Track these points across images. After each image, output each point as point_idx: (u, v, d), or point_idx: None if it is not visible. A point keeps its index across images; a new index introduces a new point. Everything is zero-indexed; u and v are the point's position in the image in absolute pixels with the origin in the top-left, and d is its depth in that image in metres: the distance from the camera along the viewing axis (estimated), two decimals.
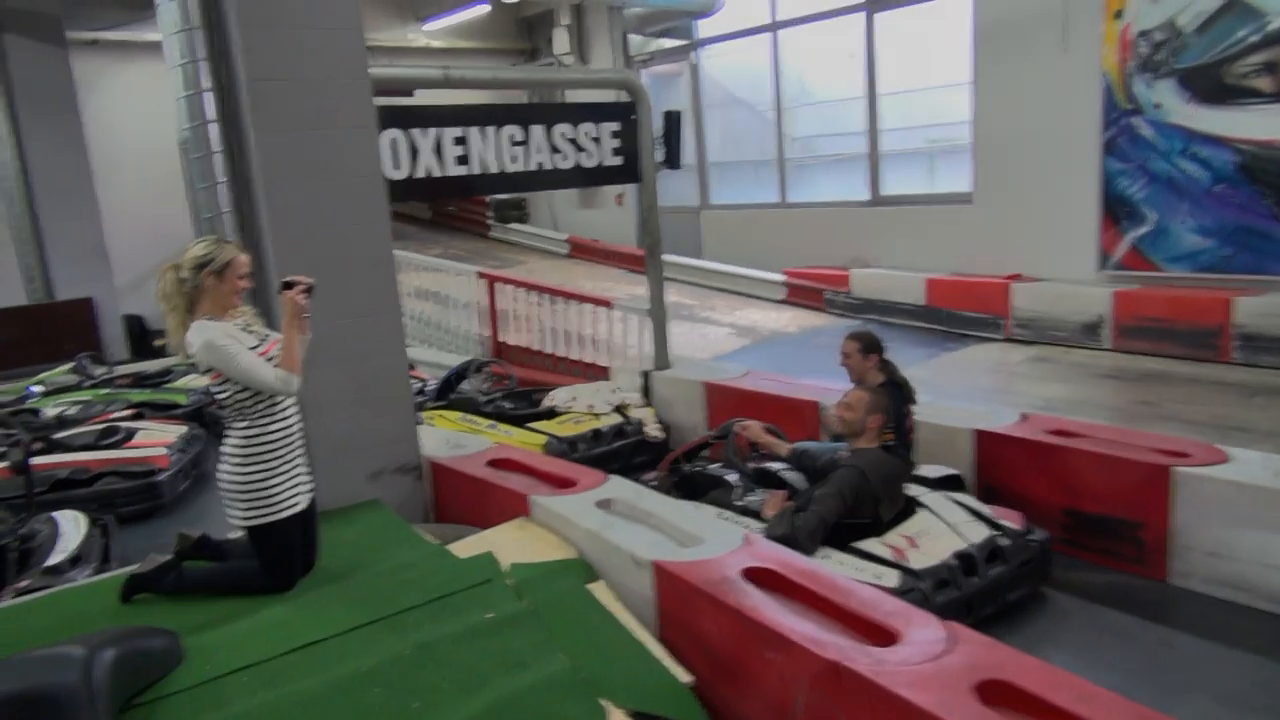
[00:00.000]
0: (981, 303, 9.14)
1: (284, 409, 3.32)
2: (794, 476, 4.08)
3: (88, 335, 10.71)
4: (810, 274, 10.92)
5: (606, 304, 7.32)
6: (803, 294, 10.96)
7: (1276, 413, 6.38)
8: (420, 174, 5.05)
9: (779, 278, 11.15)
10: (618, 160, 6.09)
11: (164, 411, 7.45)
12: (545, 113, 5.70)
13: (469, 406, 6.15)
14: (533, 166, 5.66)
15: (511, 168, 5.55)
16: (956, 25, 9.34)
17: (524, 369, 7.65)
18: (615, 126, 6.02)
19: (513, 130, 5.53)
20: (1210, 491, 3.80)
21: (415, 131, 5.03)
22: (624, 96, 6.11)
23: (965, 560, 3.62)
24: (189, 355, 3.17)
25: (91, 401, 7.69)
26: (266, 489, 3.25)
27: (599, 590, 3.32)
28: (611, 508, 3.84)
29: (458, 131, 5.19)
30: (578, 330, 7.73)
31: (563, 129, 5.76)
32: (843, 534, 3.69)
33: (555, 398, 6.12)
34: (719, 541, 3.35)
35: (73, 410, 7.46)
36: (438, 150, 5.10)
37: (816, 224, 11.43)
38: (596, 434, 5.80)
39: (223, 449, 3.28)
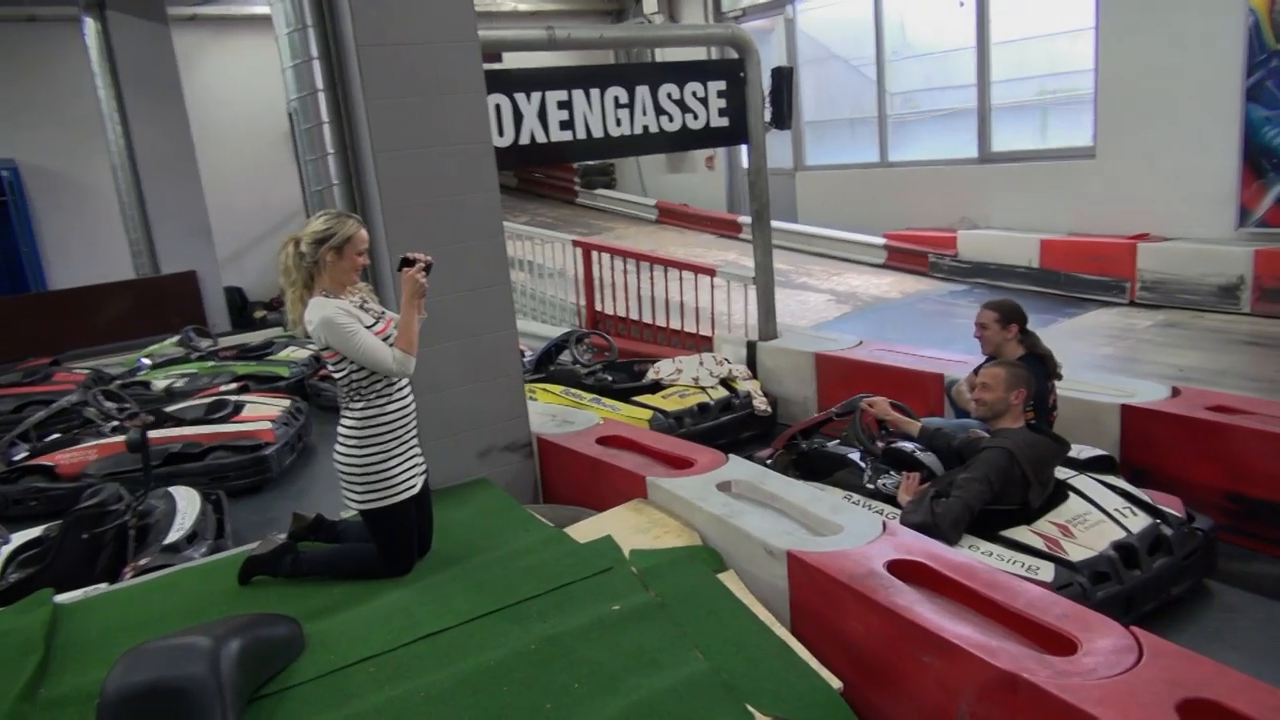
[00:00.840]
0: (1104, 265, 8.55)
1: (400, 389, 3.21)
2: (928, 458, 3.80)
3: (193, 308, 11.00)
4: (913, 236, 10.44)
5: (710, 272, 7.06)
6: (905, 258, 10.49)
7: None
8: (524, 140, 4.87)
9: (879, 241, 10.70)
10: (724, 121, 5.81)
11: (268, 384, 7.54)
12: (650, 73, 5.45)
13: (570, 379, 6.00)
14: (638, 130, 5.43)
15: (616, 131, 5.33)
16: None
17: (622, 340, 7.48)
18: (721, 85, 5.74)
19: (617, 92, 5.30)
20: None
21: (519, 96, 4.85)
22: (729, 54, 5.81)
23: (1125, 551, 3.30)
24: (307, 331, 3.07)
25: (198, 374, 7.84)
26: (383, 471, 3.16)
27: (730, 581, 3.13)
28: (734, 490, 3.64)
29: (562, 95, 4.99)
30: (679, 299, 7.51)
31: (669, 89, 5.51)
32: (988, 521, 3.41)
33: (659, 370, 5.93)
34: (857, 530, 3.12)
35: (180, 383, 7.62)
36: (542, 115, 4.92)
37: (919, 184, 10.90)
38: (703, 408, 5.59)
39: (340, 429, 3.19)
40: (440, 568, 3.35)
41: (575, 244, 8.70)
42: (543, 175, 16.22)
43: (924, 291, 9.70)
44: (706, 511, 3.44)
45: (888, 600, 2.66)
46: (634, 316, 7.97)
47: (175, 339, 9.51)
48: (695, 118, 5.68)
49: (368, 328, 3.08)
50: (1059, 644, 2.40)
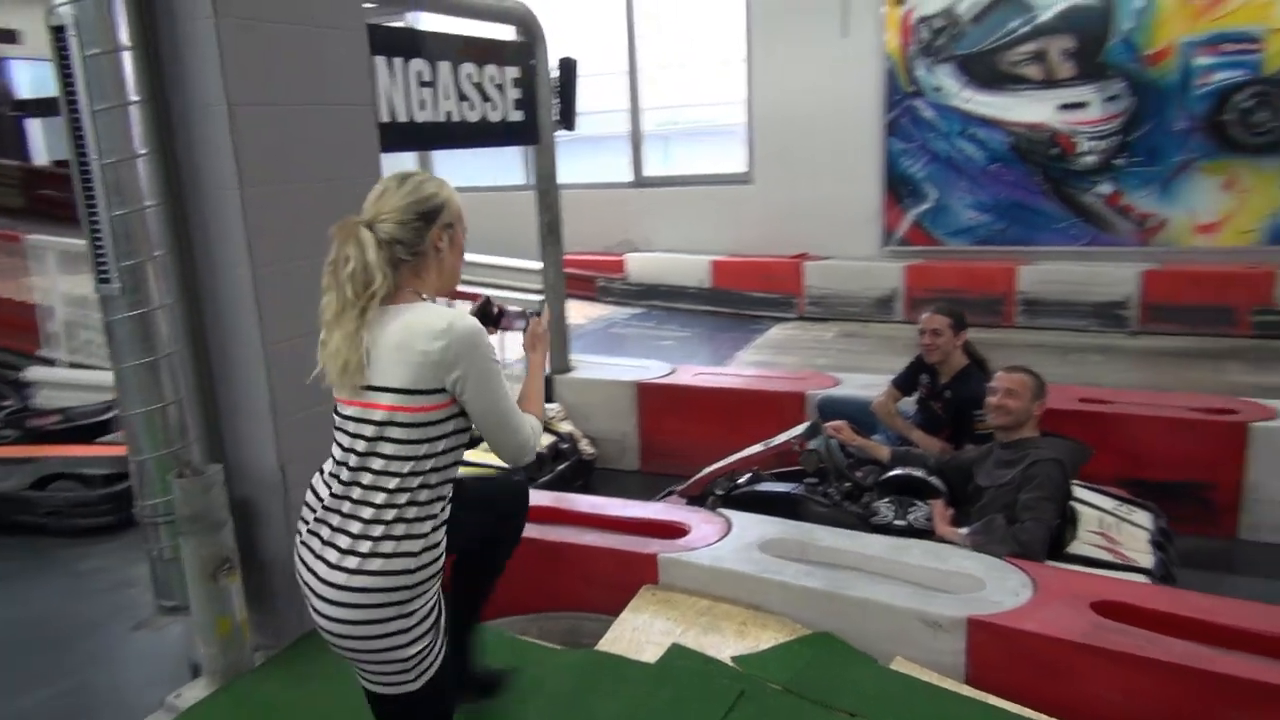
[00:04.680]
0: (774, 282, 9.11)
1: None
2: (937, 482, 3.41)
3: None
4: (576, 260, 10.10)
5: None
6: (570, 283, 10.09)
7: (1086, 368, 7.02)
8: None
9: (537, 265, 10.21)
10: (519, 115, 4.88)
11: None
12: (451, 48, 4.33)
13: None
14: (441, 116, 4.28)
15: (421, 116, 4.14)
16: (732, 2, 9.18)
17: None
18: (516, 73, 4.81)
19: (420, 66, 4.12)
20: None
21: None
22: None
23: (1161, 551, 3.25)
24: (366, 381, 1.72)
25: None
26: (435, 623, 1.83)
27: (911, 669, 2.40)
28: (776, 551, 2.89)
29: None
30: None
31: (469, 70, 4.44)
32: None
33: None
34: (1001, 579, 2.61)
35: None
36: None
37: (576, 207, 10.62)
38: (539, 458, 4.59)
39: (370, 560, 1.69)
40: None
41: None
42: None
43: (605, 316, 9.48)
44: (793, 587, 2.66)
45: (1164, 654, 2.20)
46: None
47: None
48: (494, 108, 4.67)
49: None
50: None
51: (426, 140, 4.32)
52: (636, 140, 10.20)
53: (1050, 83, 7.94)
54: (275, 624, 2.68)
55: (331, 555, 1.70)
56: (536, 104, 4.98)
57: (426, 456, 1.70)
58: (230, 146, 2.39)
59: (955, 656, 2.44)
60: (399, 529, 1.69)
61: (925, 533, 3.19)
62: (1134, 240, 7.93)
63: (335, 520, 1.72)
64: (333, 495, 1.75)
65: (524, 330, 2.22)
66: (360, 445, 1.71)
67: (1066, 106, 7.92)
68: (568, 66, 5.12)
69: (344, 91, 2.73)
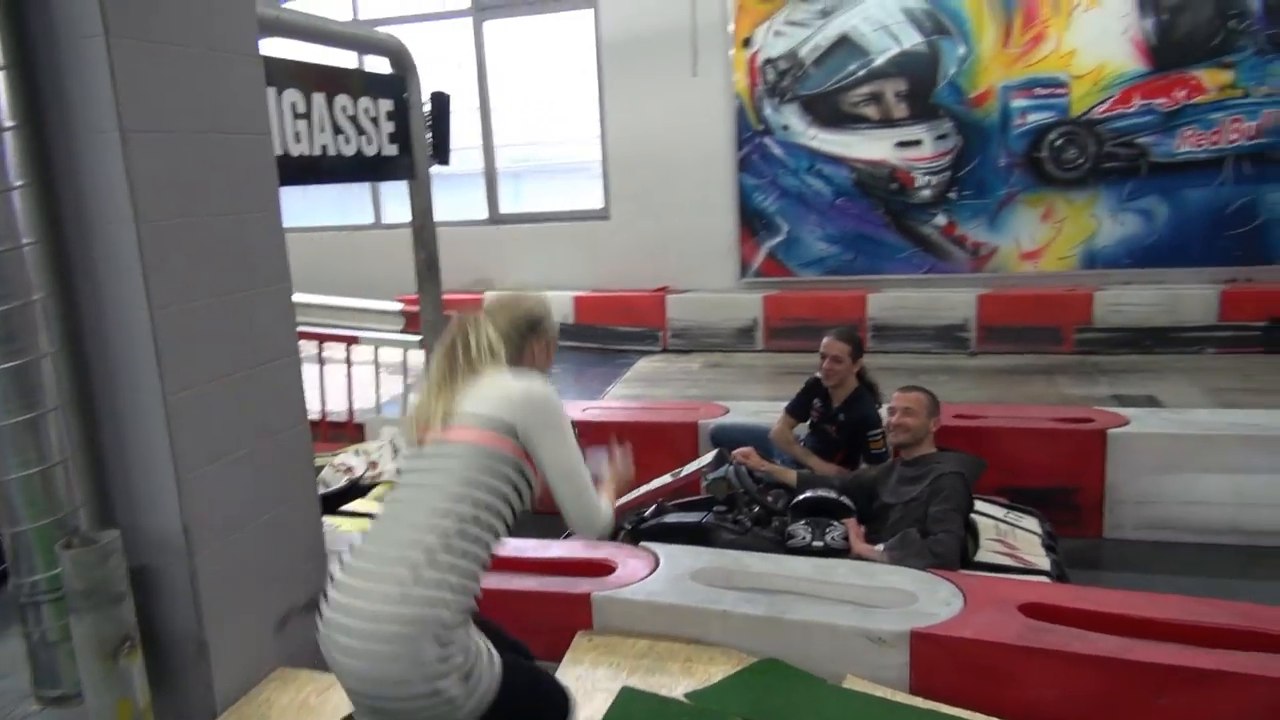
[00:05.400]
0: (637, 316, 9.20)
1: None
2: (847, 501, 3.50)
3: None
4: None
5: (349, 340, 5.64)
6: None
7: (935, 388, 7.45)
8: None
9: (395, 306, 9.90)
10: (394, 149, 4.71)
11: None
12: (326, 78, 4.13)
13: None
14: (316, 150, 4.08)
15: (296, 149, 3.93)
16: (581, 41, 9.29)
17: None
18: (390, 105, 4.65)
19: (294, 96, 3.91)
20: (1140, 447, 4.22)
21: None
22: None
23: (1053, 553, 3.47)
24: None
25: None
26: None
27: (866, 687, 2.43)
28: (715, 582, 2.88)
29: None
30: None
31: (343, 102, 4.26)
32: None
33: (351, 469, 4.48)
34: (932, 589, 2.71)
35: None
36: None
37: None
38: None
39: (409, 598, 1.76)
40: None
41: None
42: None
43: None
44: (735, 615, 2.65)
45: (1100, 648, 2.34)
46: None
47: None
48: (369, 142, 4.48)
49: None
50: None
51: (302, 174, 4.08)
52: (491, 177, 10.09)
53: (887, 122, 8.48)
54: (180, 706, 2.41)
55: (365, 584, 1.77)
56: (411, 138, 4.83)
57: (480, 488, 1.81)
58: (124, 177, 2.16)
59: (899, 670, 2.49)
60: (445, 558, 1.76)
61: (842, 551, 3.27)
62: (968, 267, 8.55)
63: (373, 549, 1.83)
64: (374, 534, 1.86)
65: None
66: (413, 478, 1.90)
67: (902, 144, 8.47)
68: (440, 100, 5.00)
69: (243, 120, 2.55)
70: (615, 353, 9.13)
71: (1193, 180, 7.88)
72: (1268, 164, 7.69)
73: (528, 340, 2.08)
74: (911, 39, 8.25)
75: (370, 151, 4.49)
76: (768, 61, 8.63)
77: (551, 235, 9.90)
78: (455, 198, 10.43)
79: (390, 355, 5.96)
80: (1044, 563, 3.30)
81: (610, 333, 9.29)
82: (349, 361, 5.83)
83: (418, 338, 5.39)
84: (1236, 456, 4.10)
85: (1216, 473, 4.13)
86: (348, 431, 5.55)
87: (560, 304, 9.49)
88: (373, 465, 4.51)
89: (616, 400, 6.94)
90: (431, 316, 5.19)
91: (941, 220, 8.53)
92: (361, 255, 10.60)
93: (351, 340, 5.81)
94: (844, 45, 8.40)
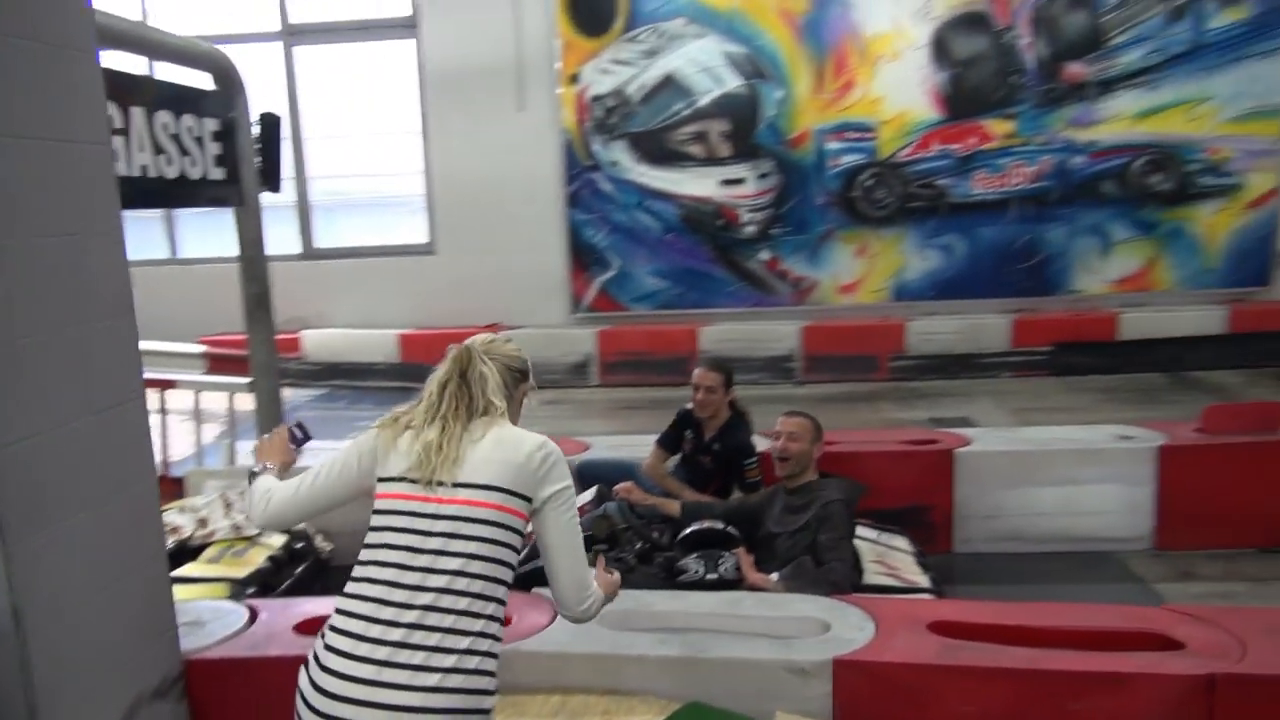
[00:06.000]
0: None
1: None
2: (734, 532, 3.44)
3: None
4: (240, 340, 9.14)
5: (166, 385, 5.00)
6: (233, 365, 9.08)
7: (771, 418, 7.68)
8: None
9: (197, 349, 9.07)
10: (220, 173, 4.29)
11: None
12: (146, 91, 3.67)
13: None
14: (135, 171, 3.63)
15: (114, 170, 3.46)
16: (402, 72, 8.98)
17: None
18: (216, 125, 4.23)
19: (111, 110, 3.46)
20: (983, 465, 4.47)
21: None
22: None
23: (927, 570, 3.57)
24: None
25: None
26: None
27: None
28: (620, 624, 2.74)
29: None
30: None
31: (164, 119, 3.82)
32: None
33: (178, 529, 3.94)
34: (849, 616, 2.69)
35: None
36: None
37: (227, 283, 9.61)
38: (275, 561, 3.96)
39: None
40: None
41: None
42: None
43: (291, 399, 8.58)
44: (651, 659, 2.52)
45: (1021, 662, 2.39)
46: None
47: None
48: (194, 163, 4.03)
49: None
50: (1158, 642, 2.50)
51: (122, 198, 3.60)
52: (304, 209, 9.51)
53: (712, 160, 8.74)
54: None
55: (400, 675, 1.62)
56: (239, 161, 4.42)
57: (502, 563, 1.76)
58: None
59: (823, 700, 2.44)
60: (484, 644, 1.70)
61: (735, 583, 3.21)
62: (791, 300, 8.91)
63: (397, 635, 1.65)
64: (386, 603, 1.69)
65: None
66: (433, 543, 1.72)
67: (727, 182, 8.76)
68: (269, 122, 4.61)
69: (79, 127, 2.19)
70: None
71: (985, 219, 8.63)
72: (1045, 205, 8.55)
73: (519, 385, 2.02)
74: (733, 81, 8.58)
75: (195, 174, 4.07)
76: (595, 98, 8.69)
77: (373, 271, 9.44)
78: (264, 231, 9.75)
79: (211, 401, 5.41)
80: (923, 580, 3.39)
81: None
82: (163, 410, 5.22)
83: (246, 380, 4.90)
84: (1066, 470, 4.43)
85: (1050, 485, 4.43)
86: (165, 487, 4.91)
87: (383, 343, 9.08)
88: (202, 523, 4.01)
89: None
90: (263, 357, 4.78)
91: (765, 255, 8.86)
92: (154, 294, 9.62)
93: (167, 385, 5.21)
94: (669, 85, 8.60)
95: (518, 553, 1.81)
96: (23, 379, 1.97)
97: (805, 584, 3.06)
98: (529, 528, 1.83)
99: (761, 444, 4.05)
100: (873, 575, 3.39)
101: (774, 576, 3.16)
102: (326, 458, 1.97)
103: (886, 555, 3.58)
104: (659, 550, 3.46)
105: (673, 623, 2.74)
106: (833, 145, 8.61)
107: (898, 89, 8.46)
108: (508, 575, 1.79)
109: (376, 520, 1.81)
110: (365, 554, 1.80)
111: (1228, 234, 8.50)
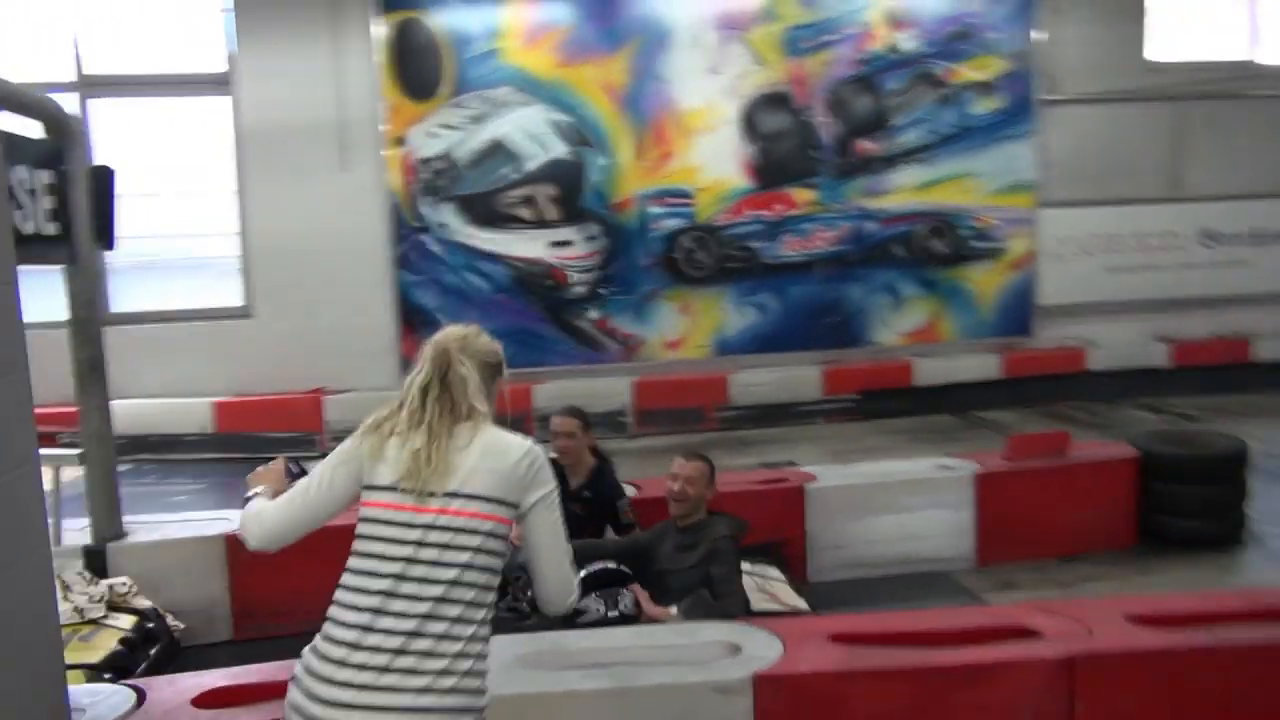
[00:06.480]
0: (292, 420, 8.49)
1: None
2: (627, 570, 3.55)
3: None
4: (56, 415, 8.27)
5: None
6: (45, 440, 8.20)
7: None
8: None
9: None
10: (54, 228, 4.00)
11: None
12: None
13: None
14: None
15: None
16: (217, 130, 8.62)
17: None
18: (49, 177, 3.96)
19: None
20: (829, 498, 4.86)
21: None
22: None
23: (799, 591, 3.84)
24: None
25: None
26: None
27: None
28: (543, 665, 2.79)
29: None
30: None
31: None
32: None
33: None
34: (748, 637, 2.88)
35: None
36: None
37: (46, 350, 8.69)
38: (128, 643, 3.64)
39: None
40: None
41: None
42: None
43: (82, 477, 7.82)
44: (583, 693, 2.60)
45: (919, 662, 2.67)
46: None
47: None
48: (26, 217, 3.74)
49: None
50: (1017, 633, 2.87)
51: None
52: (99, 270, 8.78)
53: (541, 223, 8.97)
54: None
55: (395, 679, 1.67)
56: (73, 216, 4.14)
57: (493, 570, 1.81)
58: None
59: (745, 716, 2.60)
60: (476, 647, 1.75)
61: (634, 618, 3.33)
62: (620, 357, 9.22)
63: (395, 643, 1.70)
64: (376, 611, 1.72)
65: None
66: (428, 554, 1.74)
67: (556, 244, 9.00)
68: (101, 176, 4.34)
69: None
70: (268, 461, 8.31)
71: (794, 279, 9.37)
72: (846, 266, 9.41)
73: (495, 382, 2.06)
74: (559, 148, 8.89)
75: (28, 229, 3.78)
76: (423, 161, 8.72)
77: (180, 336, 8.83)
78: (47, 296, 8.93)
79: None
80: (802, 604, 3.66)
81: (260, 440, 8.42)
82: None
83: (76, 451, 4.51)
84: (899, 499, 4.90)
85: (886, 514, 4.88)
86: None
87: (196, 412, 8.53)
88: None
89: None
90: (97, 426, 4.42)
91: (594, 314, 9.14)
92: None
93: None
94: (498, 150, 8.79)
95: (504, 558, 1.86)
96: None
97: (704, 616, 3.23)
98: (513, 532, 1.88)
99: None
100: (759, 603, 3.62)
101: (673, 609, 3.31)
102: (313, 472, 1.97)
103: (766, 584, 3.83)
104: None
105: (596, 659, 2.81)
106: (655, 210, 9.08)
107: (713, 159, 9.09)
108: (496, 581, 1.84)
109: (366, 529, 1.82)
110: (356, 563, 1.80)
111: (996, 290, 9.70)
